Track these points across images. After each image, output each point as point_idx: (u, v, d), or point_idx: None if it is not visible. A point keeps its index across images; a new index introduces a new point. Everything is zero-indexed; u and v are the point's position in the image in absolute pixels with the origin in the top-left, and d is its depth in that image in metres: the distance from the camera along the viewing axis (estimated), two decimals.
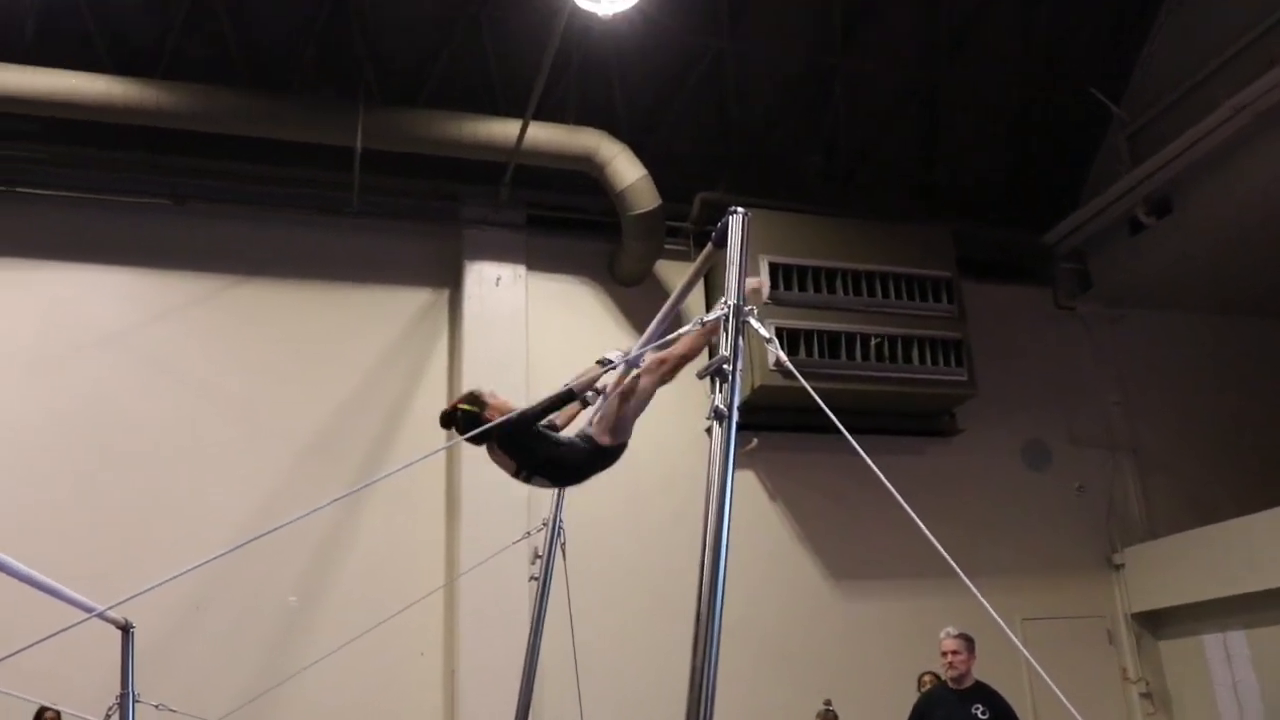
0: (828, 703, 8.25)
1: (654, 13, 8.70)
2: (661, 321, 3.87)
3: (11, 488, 7.97)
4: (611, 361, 4.08)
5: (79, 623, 2.97)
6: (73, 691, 6.57)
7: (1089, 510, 10.53)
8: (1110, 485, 10.66)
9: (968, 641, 6.51)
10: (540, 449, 3.98)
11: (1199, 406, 11.07)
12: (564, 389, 3.97)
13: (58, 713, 7.28)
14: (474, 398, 4.05)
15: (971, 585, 2.73)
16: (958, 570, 2.77)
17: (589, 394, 4.15)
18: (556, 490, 5.62)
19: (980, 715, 6.16)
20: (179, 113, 8.39)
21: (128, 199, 8.88)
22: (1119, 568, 10.34)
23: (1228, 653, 9.44)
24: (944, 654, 6.62)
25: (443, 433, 8.16)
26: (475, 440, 3.76)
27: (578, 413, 4.33)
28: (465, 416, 3.94)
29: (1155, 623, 10.22)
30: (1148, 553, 10.18)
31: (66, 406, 8.31)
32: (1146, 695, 9.94)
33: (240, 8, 8.88)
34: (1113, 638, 10.16)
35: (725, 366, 2.68)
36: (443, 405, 9.14)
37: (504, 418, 3.76)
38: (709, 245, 3.12)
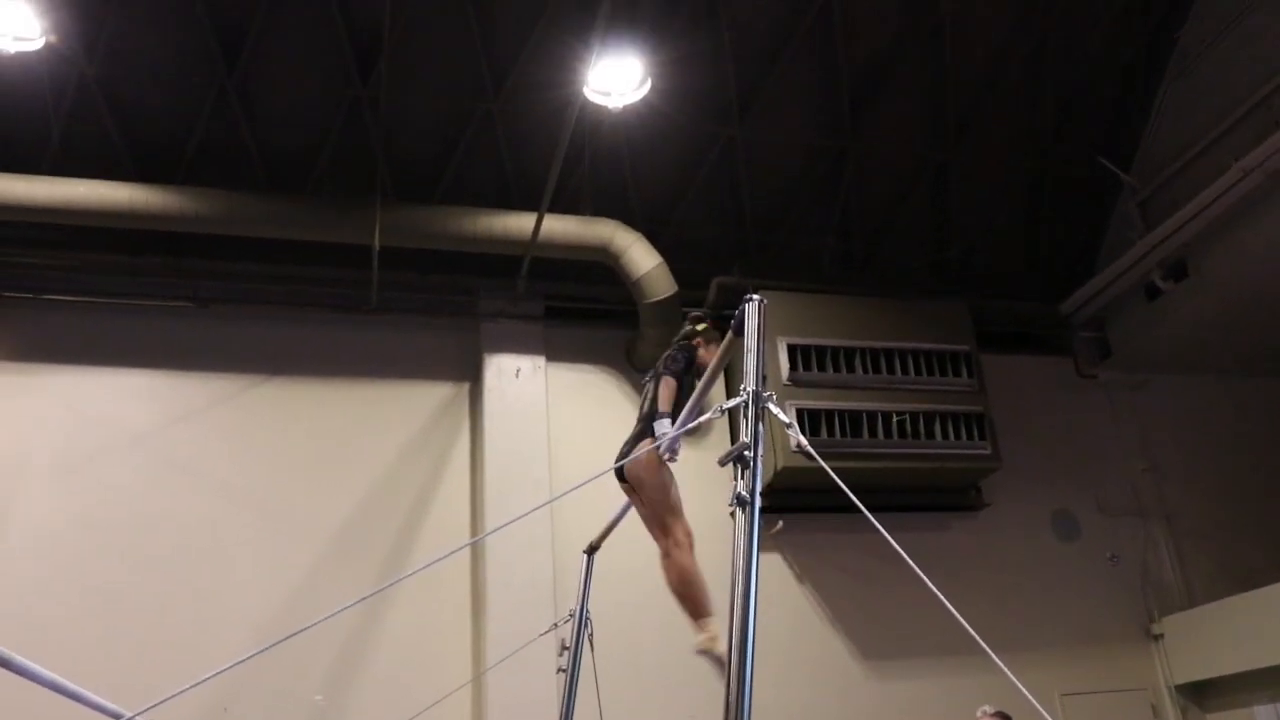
0: None
1: (662, 105, 8.86)
2: (689, 414, 3.91)
3: (37, 592, 7.98)
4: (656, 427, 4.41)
5: None
6: None
7: (1123, 580, 10.35)
8: (1144, 554, 10.50)
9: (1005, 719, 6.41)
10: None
11: (1229, 469, 10.95)
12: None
13: None
14: (704, 326, 4.80)
15: (1000, 662, 2.70)
16: (986, 648, 2.73)
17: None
18: (583, 580, 5.61)
19: None
20: (199, 217, 8.56)
21: (150, 303, 9.03)
22: (1158, 638, 10.10)
23: None
24: None
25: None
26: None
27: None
28: (688, 333, 4.74)
29: (1201, 694, 9.94)
30: (1188, 622, 9.94)
31: (91, 509, 8.35)
32: None
33: (257, 113, 9.10)
34: (1157, 711, 9.88)
35: (746, 453, 2.69)
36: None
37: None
38: (729, 334, 3.14)
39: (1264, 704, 9.29)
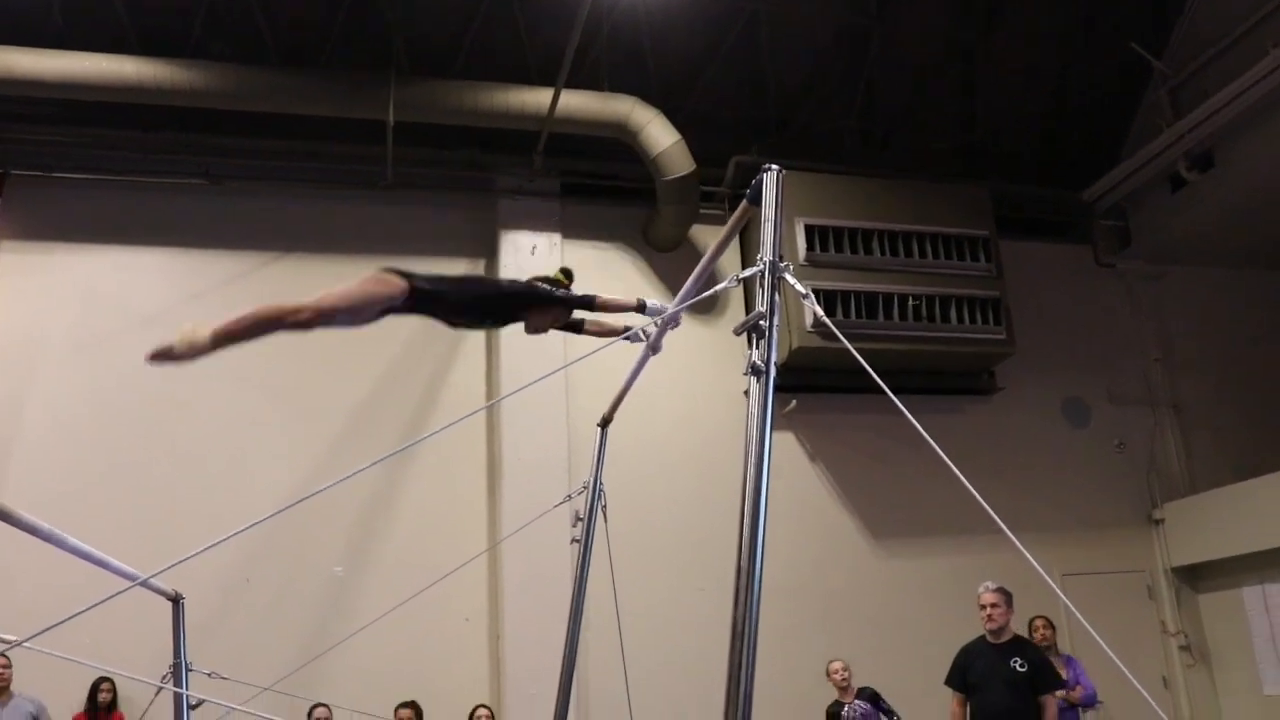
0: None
1: None
2: (697, 280, 3.88)
3: (61, 467, 8.14)
4: (647, 306, 4.27)
5: (127, 589, 3.05)
6: (127, 662, 6.69)
7: (1129, 467, 10.49)
8: (1151, 441, 10.61)
9: (1006, 595, 6.54)
10: None
11: (1240, 362, 10.96)
12: (588, 296, 4.33)
13: (113, 684, 7.47)
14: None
15: (1015, 539, 2.71)
16: (999, 522, 2.75)
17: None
18: (597, 452, 5.64)
19: (1018, 668, 6.17)
20: (210, 92, 8.44)
21: (162, 180, 8.96)
22: (1159, 523, 10.32)
23: (1266, 603, 9.45)
24: (982, 607, 6.65)
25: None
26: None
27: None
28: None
29: (1195, 576, 10.22)
30: (1188, 507, 10.15)
31: (109, 386, 8.42)
32: (1185, 648, 9.99)
33: None
34: (1152, 592, 10.19)
35: (761, 323, 2.67)
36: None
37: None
38: (743, 203, 3.09)
39: (1252, 585, 9.59)
